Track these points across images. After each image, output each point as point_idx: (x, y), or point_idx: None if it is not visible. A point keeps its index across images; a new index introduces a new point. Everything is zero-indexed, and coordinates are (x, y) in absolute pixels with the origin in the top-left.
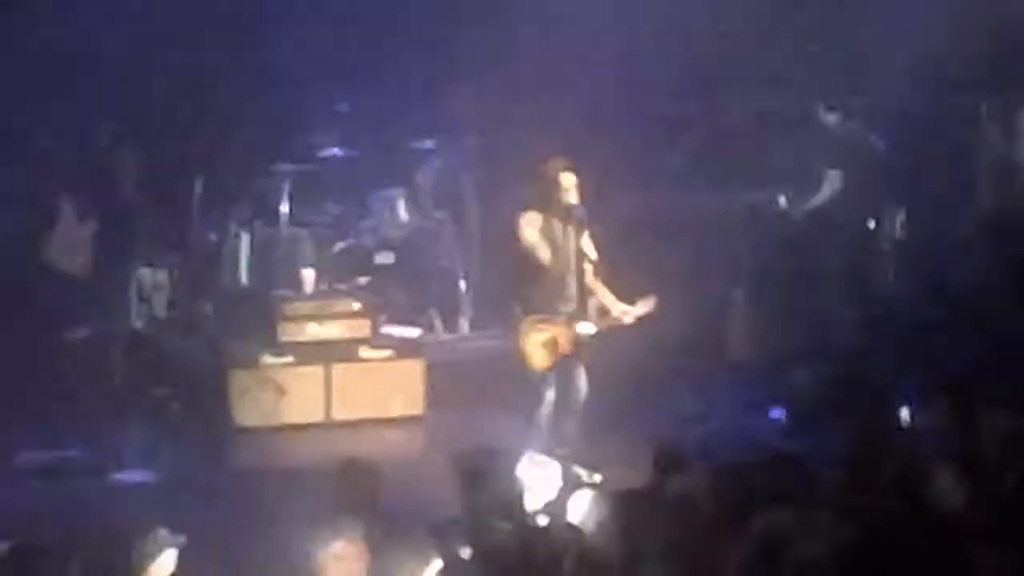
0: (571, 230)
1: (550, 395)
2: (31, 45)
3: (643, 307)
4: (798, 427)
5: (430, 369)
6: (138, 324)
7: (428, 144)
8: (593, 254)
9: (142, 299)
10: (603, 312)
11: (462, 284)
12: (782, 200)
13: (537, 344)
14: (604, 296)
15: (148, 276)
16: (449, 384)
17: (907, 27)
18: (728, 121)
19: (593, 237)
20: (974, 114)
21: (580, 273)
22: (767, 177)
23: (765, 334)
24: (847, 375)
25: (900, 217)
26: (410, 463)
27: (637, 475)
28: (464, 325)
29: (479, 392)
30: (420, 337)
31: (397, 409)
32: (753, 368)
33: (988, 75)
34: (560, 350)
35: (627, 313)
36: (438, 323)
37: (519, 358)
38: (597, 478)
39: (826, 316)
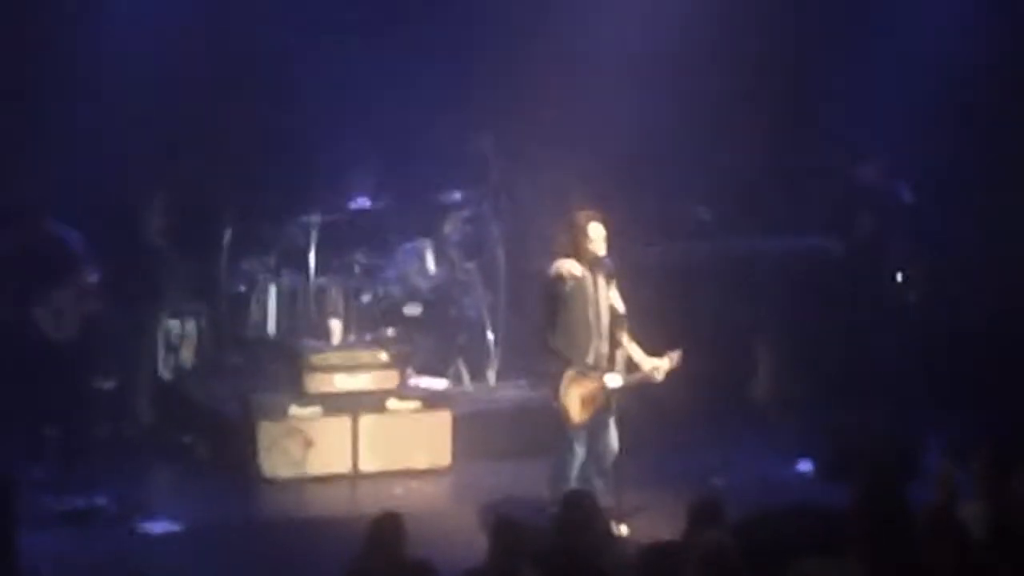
0: (600, 281)
1: (581, 450)
2: (61, 94)
3: (670, 361)
4: (826, 477)
5: (457, 420)
6: (165, 373)
7: (456, 195)
8: (621, 306)
9: (170, 348)
10: (633, 368)
11: (490, 335)
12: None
13: (577, 398)
14: (635, 352)
15: (176, 326)
16: (476, 435)
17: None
18: (755, 170)
19: (621, 288)
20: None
21: (609, 325)
22: (795, 226)
23: (793, 384)
24: (875, 425)
25: (928, 267)
26: (437, 514)
27: (665, 526)
28: (491, 376)
29: (506, 443)
30: (447, 388)
31: (424, 460)
32: (781, 418)
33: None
34: (596, 404)
35: (658, 369)
36: (466, 374)
37: (559, 412)
38: (624, 529)
39: (854, 366)
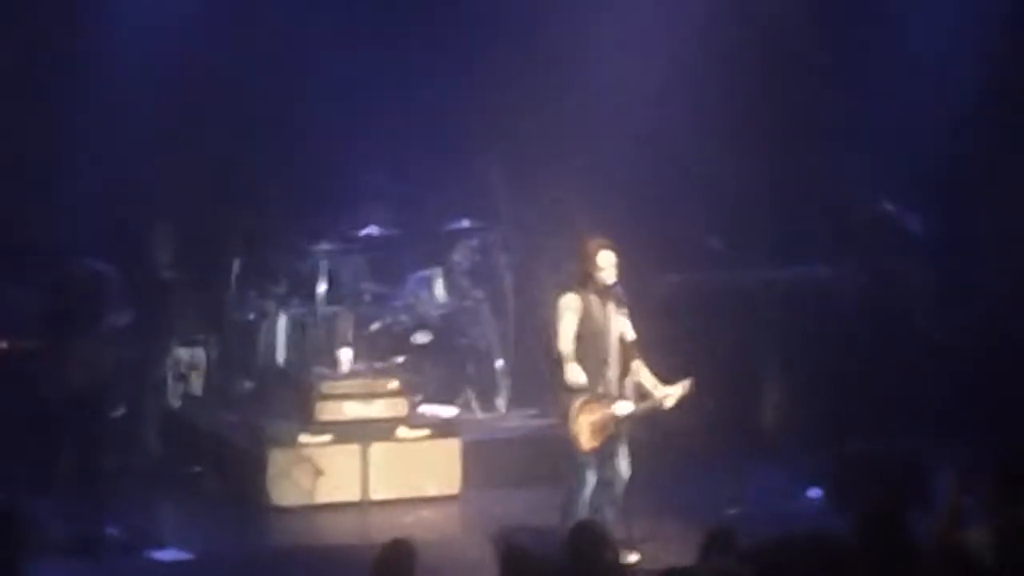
0: (610, 309)
1: (592, 477)
2: (67, 126)
3: (681, 388)
4: (835, 505)
5: (467, 448)
6: (175, 403)
7: (465, 224)
8: (631, 334)
9: (179, 378)
10: (643, 395)
11: (499, 363)
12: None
13: (587, 425)
14: (646, 380)
15: (185, 354)
16: (486, 463)
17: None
18: (765, 198)
19: (632, 316)
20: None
21: (618, 353)
22: (804, 257)
23: (803, 413)
24: (884, 454)
25: (937, 298)
26: (447, 543)
27: (676, 554)
28: (501, 404)
29: (516, 471)
30: (457, 416)
31: (434, 488)
32: (790, 446)
33: None
34: (607, 432)
35: (669, 396)
36: (475, 402)
37: (568, 439)
38: (634, 558)
39: (864, 395)
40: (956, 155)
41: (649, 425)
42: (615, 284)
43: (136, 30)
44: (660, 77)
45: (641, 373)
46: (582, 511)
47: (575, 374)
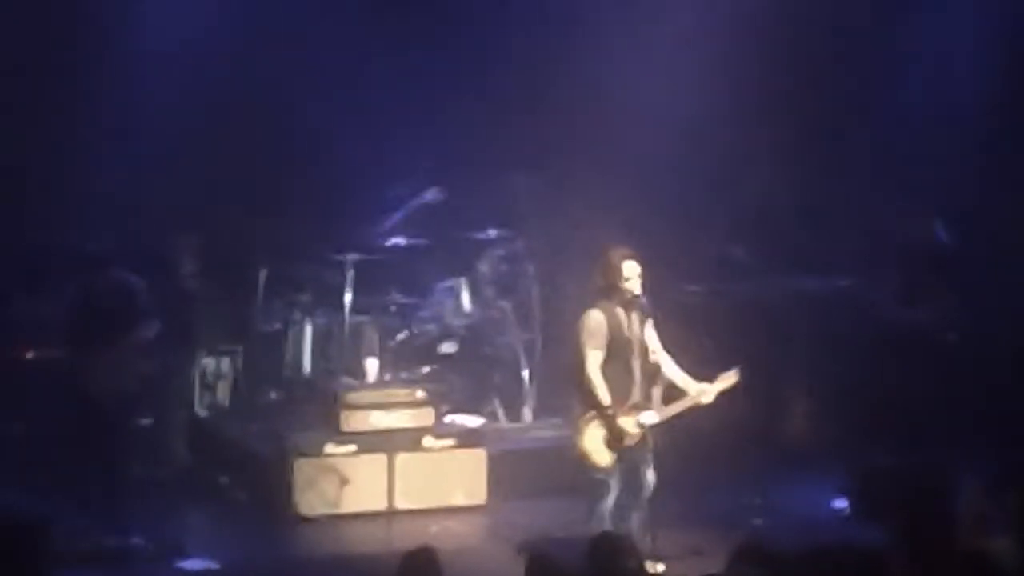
0: (634, 319)
1: (613, 487)
2: (95, 137)
3: (723, 382)
4: (862, 516)
5: (493, 458)
6: (201, 412)
7: (491, 233)
8: (657, 344)
9: (205, 388)
10: (674, 398)
11: (525, 373)
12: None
13: (595, 440)
14: (677, 378)
15: (211, 364)
16: (512, 473)
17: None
18: (788, 209)
19: (657, 326)
20: None
21: (644, 362)
22: (828, 266)
23: (828, 423)
24: (912, 463)
25: (965, 309)
26: (472, 552)
27: (701, 565)
28: (527, 414)
29: (542, 481)
30: (483, 426)
31: (459, 498)
32: (816, 457)
33: None
34: (624, 442)
35: (706, 392)
36: (501, 412)
37: (579, 458)
38: (661, 568)
39: (890, 405)
40: (987, 167)
41: (674, 433)
42: (640, 295)
43: (165, 41)
44: (686, 88)
45: (675, 373)
46: (606, 521)
47: (603, 394)
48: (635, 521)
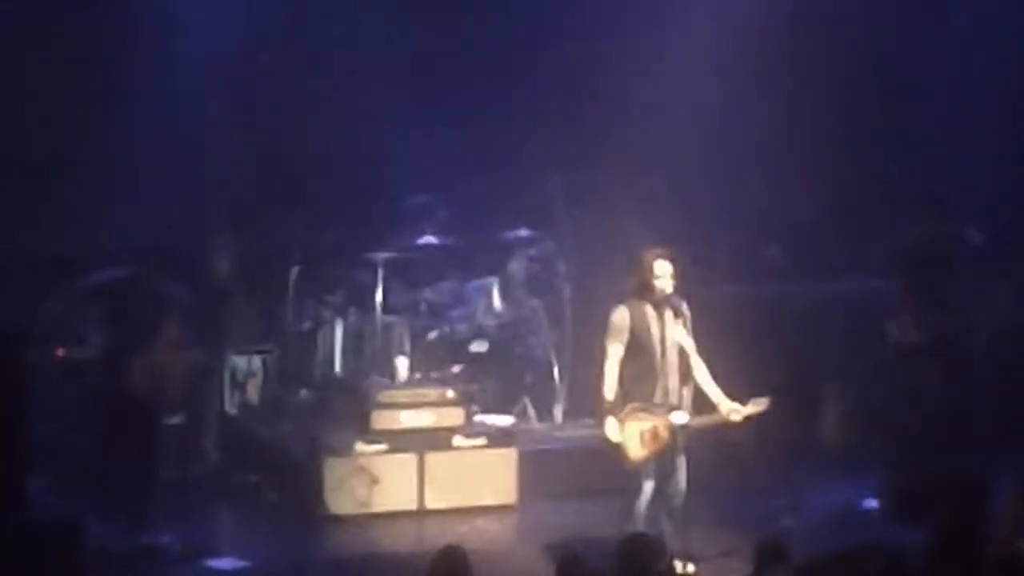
0: (667, 319)
1: (648, 487)
2: (127, 139)
3: (754, 408)
4: (892, 517)
5: (523, 458)
6: (232, 411)
7: (522, 233)
8: (690, 344)
9: (236, 387)
10: (708, 408)
11: (555, 373)
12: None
13: (635, 433)
14: (712, 392)
15: (242, 363)
16: (542, 473)
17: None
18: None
19: (691, 327)
20: None
21: (676, 362)
22: (866, 269)
23: (862, 425)
24: (949, 467)
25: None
26: (503, 552)
27: (733, 567)
28: (558, 414)
29: (572, 481)
30: (513, 426)
31: (490, 498)
32: (848, 459)
33: None
34: (659, 442)
35: (736, 411)
36: (531, 412)
37: (616, 451)
38: (692, 569)
39: (925, 407)
40: (1019, 171)
41: (708, 438)
42: (672, 294)
43: (201, 43)
44: (721, 90)
45: (709, 386)
46: (638, 522)
47: (609, 389)
48: (667, 522)
